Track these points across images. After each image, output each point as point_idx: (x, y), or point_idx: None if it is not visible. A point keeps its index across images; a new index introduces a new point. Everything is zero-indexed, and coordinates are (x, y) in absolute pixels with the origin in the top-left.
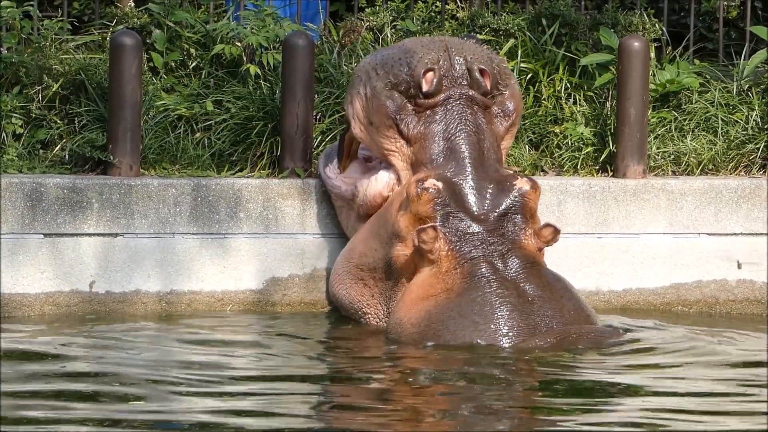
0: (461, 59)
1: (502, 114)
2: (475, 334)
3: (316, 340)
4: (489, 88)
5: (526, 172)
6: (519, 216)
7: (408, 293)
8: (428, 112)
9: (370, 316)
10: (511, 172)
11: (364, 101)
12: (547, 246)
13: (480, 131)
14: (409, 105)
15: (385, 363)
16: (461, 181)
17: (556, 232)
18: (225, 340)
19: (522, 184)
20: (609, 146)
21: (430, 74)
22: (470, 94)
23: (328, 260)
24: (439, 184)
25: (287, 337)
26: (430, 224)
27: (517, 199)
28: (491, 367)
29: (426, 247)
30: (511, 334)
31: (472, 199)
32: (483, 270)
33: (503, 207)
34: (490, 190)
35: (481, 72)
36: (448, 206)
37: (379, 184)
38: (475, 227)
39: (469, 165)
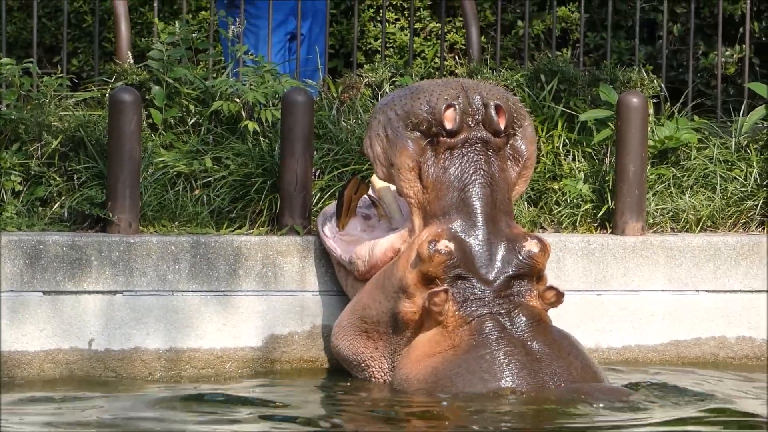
0: (478, 96)
1: (514, 157)
2: (483, 391)
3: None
4: (504, 126)
5: (525, 229)
6: (526, 278)
7: (414, 350)
8: (446, 154)
9: (374, 369)
10: (522, 230)
11: (384, 143)
12: (551, 308)
13: (494, 182)
14: (429, 147)
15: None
16: (472, 239)
17: (560, 295)
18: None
19: (531, 246)
20: (608, 203)
21: (450, 111)
22: (485, 136)
23: (327, 317)
24: (451, 246)
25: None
26: (442, 288)
27: (525, 261)
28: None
29: (436, 309)
30: (519, 391)
31: (481, 259)
32: (490, 327)
33: (512, 269)
34: (500, 250)
35: (497, 108)
36: (459, 267)
37: (388, 240)
38: (482, 288)
39: (480, 221)
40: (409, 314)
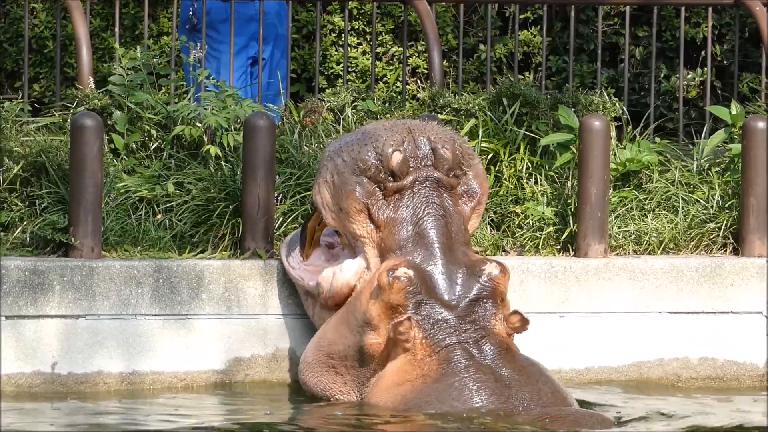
0: (425, 139)
1: (467, 194)
2: None
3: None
4: (453, 166)
5: (488, 253)
6: (490, 301)
7: (382, 380)
8: (396, 195)
9: None
10: (480, 256)
11: (332, 189)
12: (516, 333)
13: (447, 214)
14: (378, 190)
15: None
16: (431, 268)
17: (525, 321)
18: None
19: (491, 269)
20: (570, 226)
21: (396, 155)
22: (436, 176)
23: (290, 340)
24: (410, 272)
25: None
26: (405, 316)
27: (487, 284)
28: None
29: (403, 338)
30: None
31: (442, 285)
32: (459, 356)
33: (474, 293)
34: (459, 276)
35: (445, 150)
36: (420, 294)
37: (345, 274)
38: (446, 314)
39: (438, 250)
40: (374, 346)
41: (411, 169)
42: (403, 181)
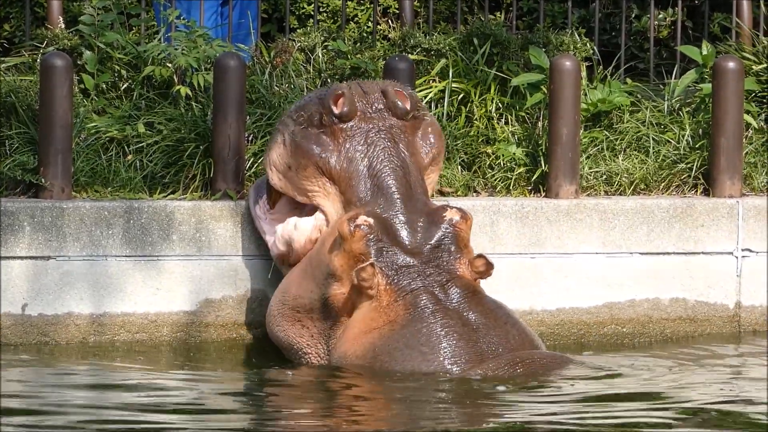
0: (374, 85)
1: (425, 144)
2: (423, 364)
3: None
4: (408, 108)
5: (459, 193)
6: (453, 246)
7: (350, 328)
8: (347, 145)
9: (311, 355)
10: (440, 204)
11: (281, 148)
12: (481, 278)
13: (405, 165)
14: (324, 137)
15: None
16: (392, 217)
17: (489, 265)
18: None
19: (452, 214)
20: (541, 166)
21: (340, 95)
22: (390, 124)
23: (261, 281)
24: (370, 220)
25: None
26: (367, 262)
27: (448, 230)
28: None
29: (366, 284)
30: (459, 362)
31: (404, 233)
32: (425, 301)
33: (436, 238)
34: (421, 223)
35: (397, 93)
36: (381, 241)
37: (305, 231)
38: (410, 260)
39: (398, 200)
40: (339, 297)
41: (360, 113)
42: (351, 123)
